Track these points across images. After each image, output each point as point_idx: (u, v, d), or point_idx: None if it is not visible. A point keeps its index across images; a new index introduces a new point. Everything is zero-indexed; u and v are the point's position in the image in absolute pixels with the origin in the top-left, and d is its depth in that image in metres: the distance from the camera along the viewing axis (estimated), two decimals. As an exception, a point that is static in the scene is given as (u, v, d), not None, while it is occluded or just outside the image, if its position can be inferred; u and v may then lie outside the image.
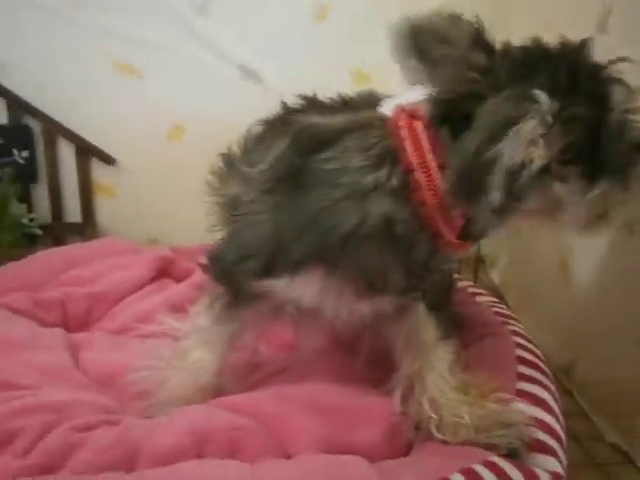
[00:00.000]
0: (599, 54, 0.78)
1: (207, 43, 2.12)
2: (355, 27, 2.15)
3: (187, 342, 0.99)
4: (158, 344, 1.10)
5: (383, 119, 0.83)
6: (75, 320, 1.39)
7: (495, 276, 2.29)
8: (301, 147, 0.83)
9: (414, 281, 0.83)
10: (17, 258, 1.59)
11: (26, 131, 2.05)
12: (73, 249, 1.70)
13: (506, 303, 1.84)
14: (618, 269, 1.47)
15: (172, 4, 2.07)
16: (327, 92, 1.07)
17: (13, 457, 0.72)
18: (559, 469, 0.82)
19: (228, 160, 1.10)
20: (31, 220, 2.03)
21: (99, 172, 2.21)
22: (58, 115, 2.08)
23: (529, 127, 0.64)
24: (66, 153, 2.14)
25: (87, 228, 2.18)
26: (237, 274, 0.88)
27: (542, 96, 0.66)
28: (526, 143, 0.64)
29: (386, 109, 0.86)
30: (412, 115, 0.78)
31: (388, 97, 0.94)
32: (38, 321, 1.29)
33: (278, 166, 0.85)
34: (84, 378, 1.02)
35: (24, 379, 0.92)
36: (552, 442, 0.85)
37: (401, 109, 0.82)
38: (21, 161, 2.04)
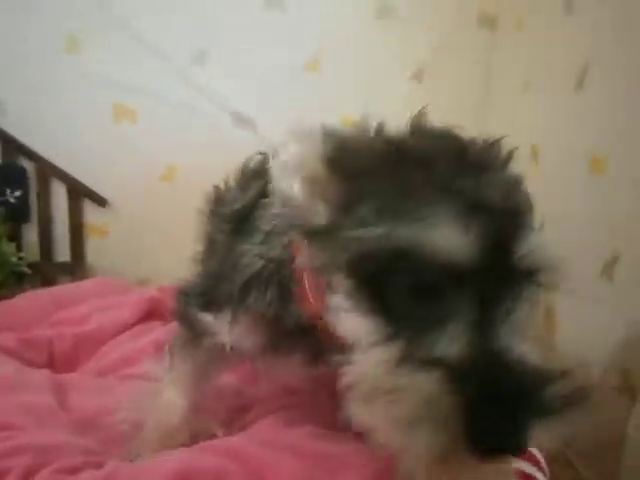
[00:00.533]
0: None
1: (202, 91, 2.19)
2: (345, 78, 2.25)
3: (158, 383, 1.00)
4: (142, 386, 1.10)
5: None
6: (62, 360, 1.39)
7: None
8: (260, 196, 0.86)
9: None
10: (5, 297, 1.60)
11: (20, 171, 2.08)
12: (62, 289, 1.71)
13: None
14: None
15: (170, 53, 2.14)
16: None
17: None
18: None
19: (210, 201, 1.13)
20: (20, 259, 2.04)
21: (91, 213, 2.24)
22: (52, 156, 2.13)
23: None
24: (58, 194, 2.17)
25: (76, 268, 2.19)
26: (190, 310, 0.90)
27: None
28: None
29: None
30: None
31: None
32: (24, 361, 1.29)
33: (236, 210, 0.89)
34: (69, 420, 1.02)
35: (9, 418, 0.92)
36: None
37: None
38: (13, 200, 2.07)
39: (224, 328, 0.84)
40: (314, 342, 0.76)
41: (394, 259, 0.53)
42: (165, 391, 0.98)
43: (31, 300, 1.56)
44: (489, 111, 2.35)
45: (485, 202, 0.56)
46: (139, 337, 1.47)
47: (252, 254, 0.79)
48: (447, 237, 0.52)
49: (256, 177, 0.94)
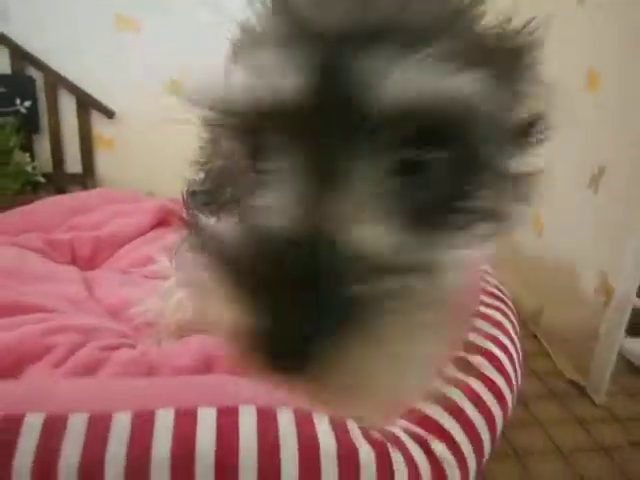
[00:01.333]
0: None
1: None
2: None
3: (171, 282, 1.05)
4: (160, 283, 1.19)
5: None
6: (83, 261, 1.49)
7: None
8: None
9: None
10: (22, 204, 1.68)
11: (29, 82, 2.11)
12: (78, 196, 1.78)
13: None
14: (583, 226, 1.61)
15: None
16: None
17: (50, 366, 0.83)
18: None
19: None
20: (34, 168, 2.11)
21: (99, 124, 2.29)
22: (60, 67, 2.15)
23: None
24: (67, 105, 2.21)
25: (87, 178, 2.26)
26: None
27: None
28: None
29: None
30: None
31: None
32: (50, 259, 1.39)
33: None
34: (99, 308, 1.13)
35: (49, 303, 1.02)
36: (506, 362, 0.95)
37: None
38: (24, 111, 2.11)
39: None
40: None
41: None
42: (177, 291, 1.02)
43: (50, 206, 1.64)
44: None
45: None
46: (153, 242, 1.56)
47: None
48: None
49: None
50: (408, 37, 0.37)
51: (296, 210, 0.37)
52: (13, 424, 0.58)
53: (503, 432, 0.84)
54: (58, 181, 2.24)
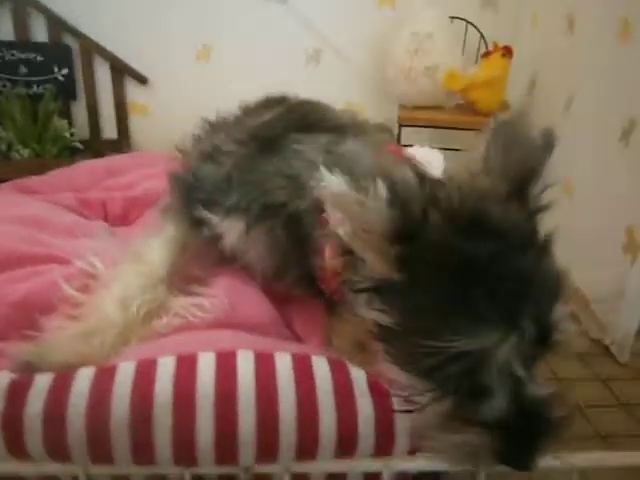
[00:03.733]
0: None
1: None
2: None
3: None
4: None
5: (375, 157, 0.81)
6: (115, 219, 1.55)
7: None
8: (288, 121, 0.93)
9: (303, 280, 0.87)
10: (59, 167, 1.76)
11: (65, 49, 2.17)
12: (113, 159, 1.84)
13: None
14: (614, 181, 1.58)
15: None
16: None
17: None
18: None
19: (219, 120, 1.17)
20: (72, 135, 2.18)
21: (133, 91, 2.35)
22: (95, 34, 2.20)
23: None
24: (102, 72, 2.27)
25: (123, 144, 2.33)
26: (189, 197, 0.95)
27: None
28: None
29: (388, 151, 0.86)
30: None
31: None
32: (83, 217, 1.45)
33: (260, 127, 0.95)
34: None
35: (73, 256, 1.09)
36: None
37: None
38: (61, 78, 2.18)
39: (233, 234, 0.89)
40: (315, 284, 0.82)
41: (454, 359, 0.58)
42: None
43: (86, 168, 1.70)
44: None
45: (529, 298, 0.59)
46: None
47: (279, 183, 0.84)
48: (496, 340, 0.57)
49: (278, 102, 1.02)
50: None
51: None
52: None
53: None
54: (95, 147, 2.31)
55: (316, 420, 0.63)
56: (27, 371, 0.66)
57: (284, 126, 0.93)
